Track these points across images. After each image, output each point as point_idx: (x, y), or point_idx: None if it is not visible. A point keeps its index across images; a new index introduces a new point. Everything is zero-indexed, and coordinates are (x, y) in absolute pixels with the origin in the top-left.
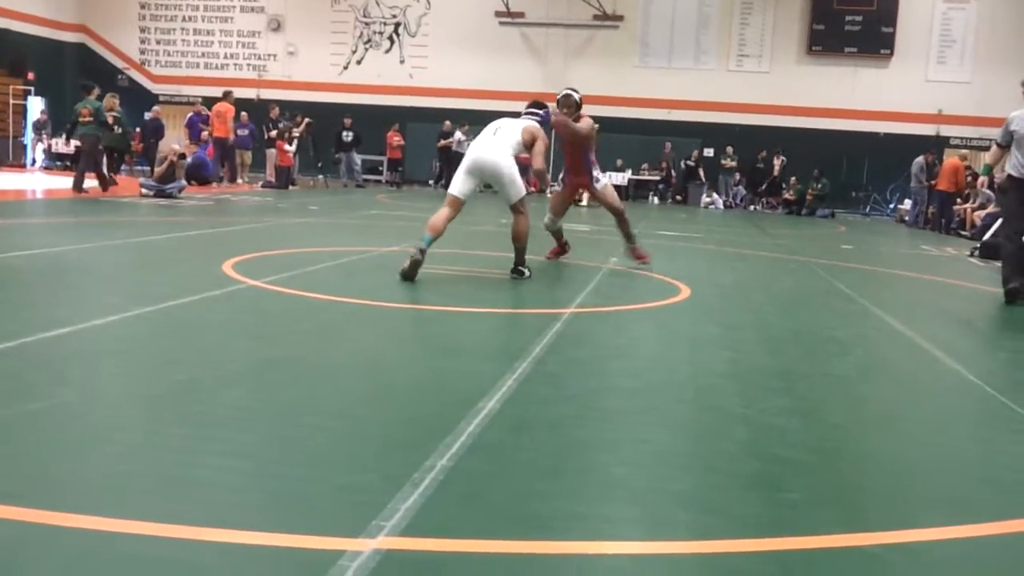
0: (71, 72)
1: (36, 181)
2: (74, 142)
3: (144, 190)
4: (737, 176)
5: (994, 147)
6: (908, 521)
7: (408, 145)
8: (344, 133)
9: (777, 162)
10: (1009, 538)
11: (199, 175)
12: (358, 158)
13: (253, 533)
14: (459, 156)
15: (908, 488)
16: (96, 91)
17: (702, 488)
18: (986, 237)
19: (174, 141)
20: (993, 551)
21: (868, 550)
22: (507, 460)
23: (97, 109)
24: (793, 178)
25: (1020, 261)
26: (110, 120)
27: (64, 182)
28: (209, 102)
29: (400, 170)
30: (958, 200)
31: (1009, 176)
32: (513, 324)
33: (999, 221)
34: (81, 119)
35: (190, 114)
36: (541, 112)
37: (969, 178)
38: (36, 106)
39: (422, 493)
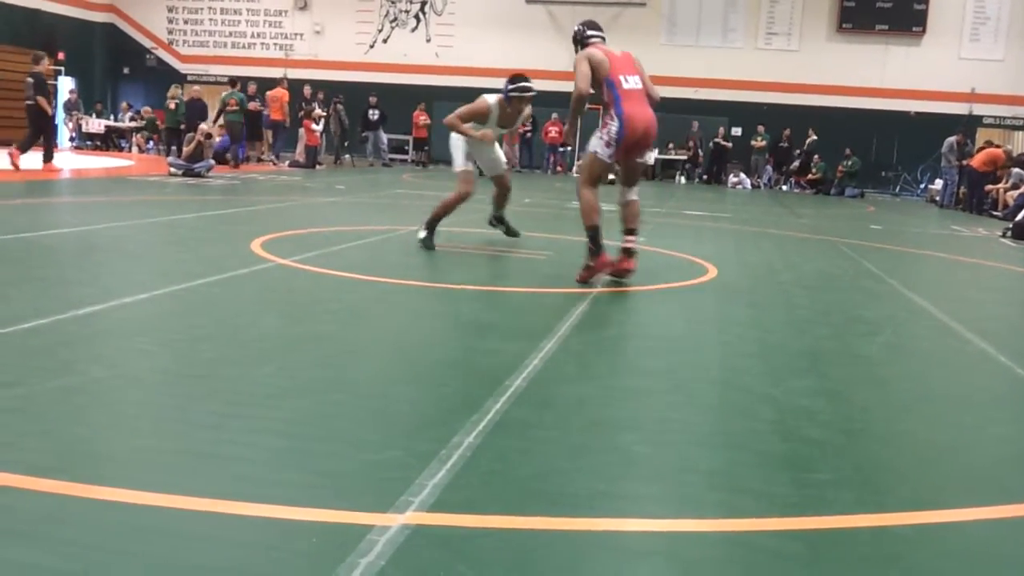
0: (100, 52)
1: (66, 160)
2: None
3: (173, 169)
4: (766, 156)
5: None
6: (936, 502)
7: (434, 124)
8: (371, 112)
9: (807, 141)
10: None
11: (226, 159)
12: (384, 137)
13: (283, 508)
14: None
15: (936, 469)
16: (238, 84)
17: (729, 467)
18: (1019, 217)
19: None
20: (1021, 532)
21: (895, 530)
22: (533, 437)
23: (241, 100)
24: (816, 156)
25: None
26: (172, 106)
27: (94, 161)
28: (238, 82)
29: (426, 149)
30: (990, 180)
31: None
32: (539, 303)
33: None
34: (228, 108)
35: (224, 94)
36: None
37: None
38: (66, 86)
39: (449, 469)
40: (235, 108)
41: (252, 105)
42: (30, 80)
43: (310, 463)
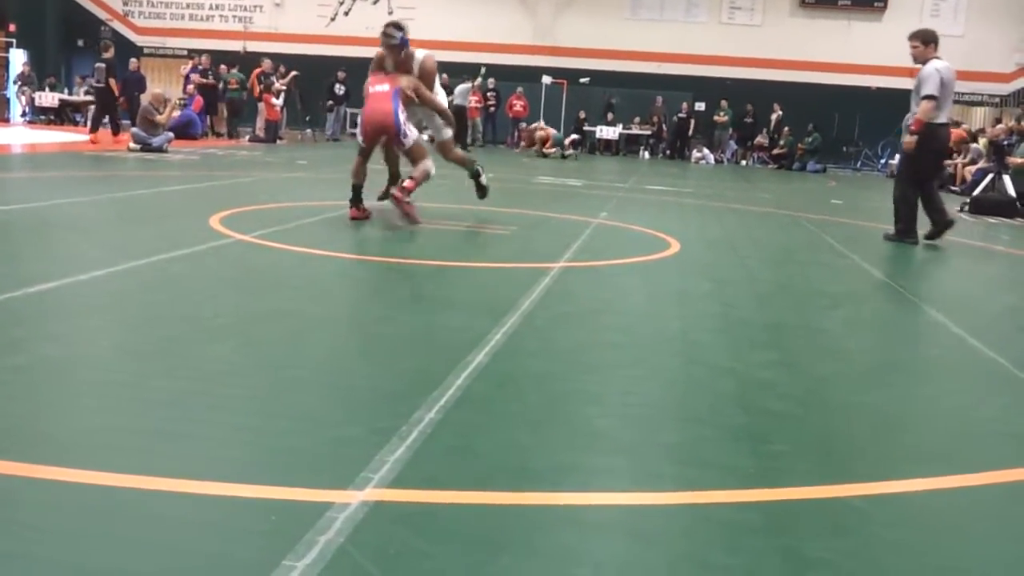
0: (53, 24)
1: (21, 135)
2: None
3: (131, 144)
4: (729, 131)
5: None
6: (891, 472)
7: None
8: (337, 86)
9: (773, 117)
10: (990, 489)
11: (187, 132)
12: (337, 113)
13: (241, 486)
14: (461, 110)
15: (893, 440)
16: (237, 67)
17: (689, 440)
18: (976, 192)
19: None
20: (974, 502)
21: (851, 501)
22: (495, 413)
23: (241, 80)
24: (786, 128)
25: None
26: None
27: (48, 136)
28: (196, 55)
29: None
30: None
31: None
32: (502, 278)
33: (988, 176)
34: (230, 87)
35: (188, 67)
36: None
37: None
38: (18, 59)
39: (410, 446)
40: (236, 87)
41: (195, 78)
42: (102, 65)
43: (268, 440)
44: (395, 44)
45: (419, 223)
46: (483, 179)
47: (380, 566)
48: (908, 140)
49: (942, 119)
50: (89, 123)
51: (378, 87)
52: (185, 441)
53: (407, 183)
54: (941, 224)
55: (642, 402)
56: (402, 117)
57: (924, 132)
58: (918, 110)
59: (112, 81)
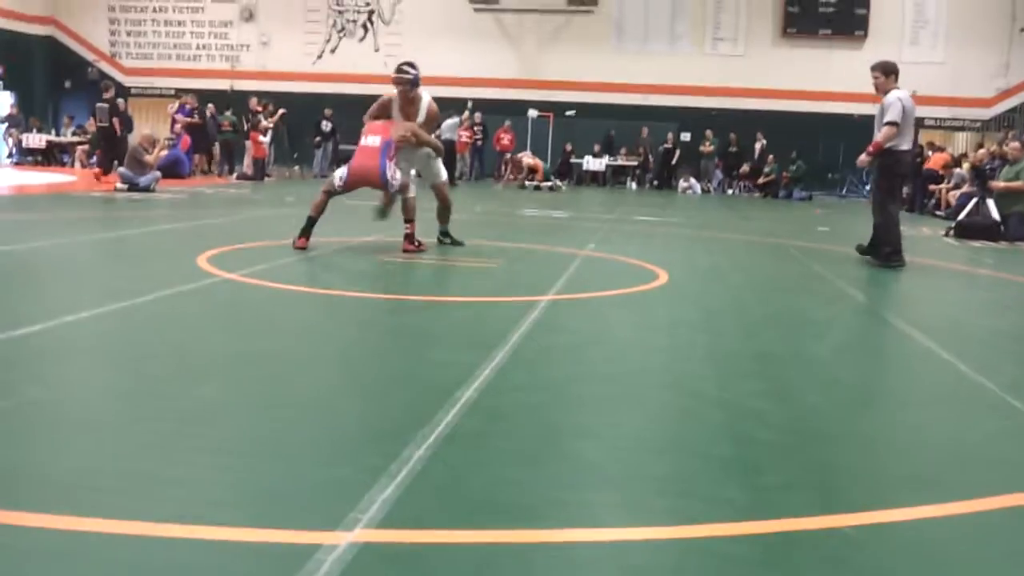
0: (40, 66)
1: (8, 177)
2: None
3: (119, 184)
4: (715, 160)
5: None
6: (883, 501)
7: None
8: (324, 123)
9: (758, 145)
10: (982, 516)
11: (174, 172)
12: (325, 149)
13: (228, 529)
14: (450, 144)
15: (883, 468)
16: (230, 109)
17: (680, 473)
18: (961, 216)
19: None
20: (966, 529)
21: (844, 532)
22: (485, 449)
23: (233, 122)
24: (770, 156)
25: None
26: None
27: (35, 177)
28: (183, 94)
29: None
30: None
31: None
32: (490, 312)
33: (972, 201)
34: (222, 128)
35: (175, 105)
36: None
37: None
38: (5, 100)
39: (399, 484)
40: (228, 128)
41: (180, 118)
42: (104, 106)
43: (255, 482)
44: (408, 79)
45: (425, 248)
46: (450, 239)
47: None
48: (862, 159)
49: (905, 145)
50: (77, 163)
51: (369, 139)
52: (172, 484)
53: (408, 229)
54: (881, 253)
55: (632, 434)
56: (389, 169)
57: (890, 157)
58: (879, 135)
59: (116, 121)
